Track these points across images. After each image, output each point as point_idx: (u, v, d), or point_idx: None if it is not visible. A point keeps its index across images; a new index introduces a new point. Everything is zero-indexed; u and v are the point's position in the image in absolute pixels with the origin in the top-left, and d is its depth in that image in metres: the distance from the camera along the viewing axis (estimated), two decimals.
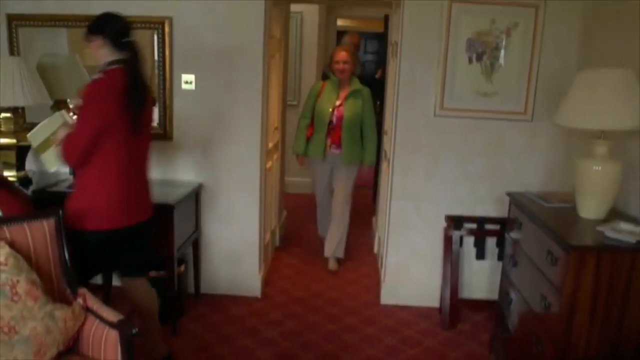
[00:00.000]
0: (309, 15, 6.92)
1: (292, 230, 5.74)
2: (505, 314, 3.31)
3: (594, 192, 2.77)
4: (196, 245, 4.03)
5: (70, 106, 3.32)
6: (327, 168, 4.75)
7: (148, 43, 3.86)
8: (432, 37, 3.76)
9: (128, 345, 2.26)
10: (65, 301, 2.49)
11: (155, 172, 3.96)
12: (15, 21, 3.82)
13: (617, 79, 2.65)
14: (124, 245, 2.86)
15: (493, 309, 3.72)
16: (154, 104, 3.37)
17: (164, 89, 3.87)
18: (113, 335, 2.30)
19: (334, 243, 4.76)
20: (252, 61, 3.85)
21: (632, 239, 2.43)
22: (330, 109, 4.55)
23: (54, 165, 2.98)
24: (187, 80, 3.87)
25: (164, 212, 3.38)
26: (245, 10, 3.78)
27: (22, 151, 3.71)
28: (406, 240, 4.07)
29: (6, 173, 3.63)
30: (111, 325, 2.32)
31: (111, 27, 2.72)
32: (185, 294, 3.96)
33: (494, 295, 3.72)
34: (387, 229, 4.11)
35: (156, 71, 3.85)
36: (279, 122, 5.07)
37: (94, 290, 2.97)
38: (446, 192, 3.98)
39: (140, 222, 2.87)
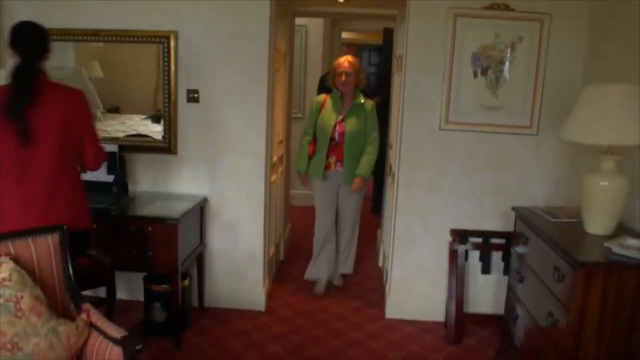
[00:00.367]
0: (313, 29, 6.96)
1: (297, 243, 5.73)
2: (511, 329, 3.28)
3: (600, 208, 2.75)
4: (200, 258, 4.02)
5: None
6: (330, 188, 4.45)
7: (153, 57, 3.88)
8: (437, 51, 3.76)
9: None
10: (69, 316, 2.47)
11: (160, 186, 3.99)
12: None
13: (623, 94, 2.64)
14: None
15: (499, 324, 3.69)
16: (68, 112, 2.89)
17: (169, 102, 3.88)
18: (117, 351, 2.28)
19: (329, 267, 4.58)
20: (257, 75, 3.86)
21: (639, 255, 2.41)
22: (333, 125, 4.31)
23: None
24: (192, 94, 3.87)
25: (168, 226, 3.38)
26: (250, 24, 3.79)
27: None
28: (411, 254, 4.06)
29: None
30: (115, 341, 2.31)
31: (9, 37, 2.75)
32: (189, 307, 3.94)
33: (500, 310, 3.69)
34: (392, 242, 4.10)
35: (161, 84, 3.87)
36: (283, 135, 5.08)
37: (98, 303, 2.97)
38: (451, 206, 3.96)
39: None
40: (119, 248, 3.44)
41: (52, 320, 2.34)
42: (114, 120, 4.19)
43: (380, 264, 5.21)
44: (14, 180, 2.73)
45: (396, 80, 4.70)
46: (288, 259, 5.30)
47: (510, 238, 3.63)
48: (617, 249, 2.49)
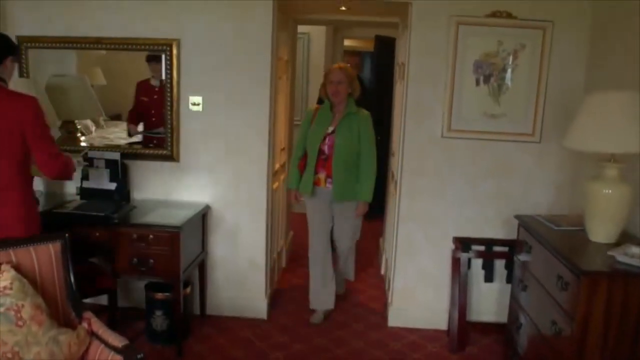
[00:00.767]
0: (316, 36, 6.98)
1: (299, 251, 5.70)
2: (515, 338, 3.26)
3: (604, 216, 2.74)
4: (202, 266, 4.02)
5: None
6: (321, 206, 4.08)
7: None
8: (439, 59, 3.76)
9: None
10: (70, 325, 2.47)
11: (162, 193, 3.99)
12: (25, 43, 3.85)
13: (626, 102, 2.64)
14: None
15: (502, 332, 3.68)
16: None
17: (172, 110, 3.88)
18: None
19: (325, 295, 4.20)
20: (259, 83, 3.86)
21: None
22: (322, 137, 3.93)
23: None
24: (195, 102, 3.88)
25: (170, 233, 3.38)
26: (252, 32, 3.80)
27: None
28: (414, 262, 4.04)
29: None
30: (116, 350, 2.30)
31: None
32: (191, 315, 3.93)
33: (503, 318, 3.68)
34: (395, 250, 4.08)
35: (164, 92, 3.87)
36: (286, 143, 5.08)
37: (99, 311, 2.96)
38: (454, 213, 3.95)
39: None
40: (121, 256, 3.43)
41: (53, 329, 2.33)
42: (116, 127, 4.21)
43: (382, 271, 5.19)
44: None
45: (398, 88, 4.69)
46: (290, 266, 5.28)
47: (513, 246, 3.61)
48: (621, 258, 2.48)
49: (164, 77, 3.85)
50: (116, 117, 4.24)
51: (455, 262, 3.89)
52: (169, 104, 3.87)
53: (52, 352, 2.27)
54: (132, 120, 4.16)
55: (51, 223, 3.28)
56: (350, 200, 4.00)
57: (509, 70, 3.73)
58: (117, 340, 2.33)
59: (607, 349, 2.40)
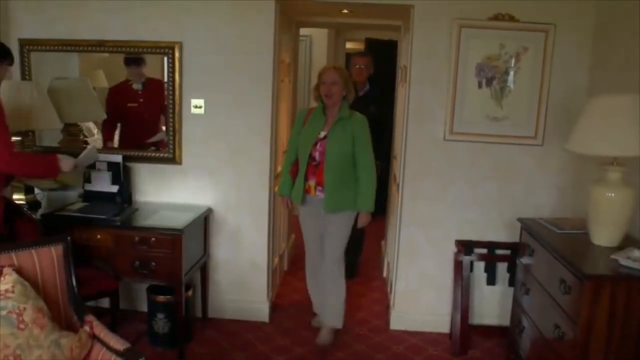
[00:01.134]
0: (317, 39, 6.98)
1: (301, 254, 5.65)
2: (517, 341, 3.25)
3: (607, 219, 2.74)
4: (204, 269, 4.01)
5: None
6: (313, 216, 3.82)
7: (158, 67, 3.90)
8: (441, 62, 3.76)
9: None
10: (72, 328, 2.47)
11: (164, 196, 3.99)
12: (27, 46, 3.86)
13: (629, 105, 2.63)
14: None
15: (504, 336, 3.67)
16: None
17: (174, 113, 3.88)
18: None
19: (324, 311, 3.94)
20: (261, 86, 3.86)
21: None
22: (313, 142, 3.69)
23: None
24: (197, 105, 3.88)
25: (172, 236, 3.37)
26: (254, 35, 3.80)
27: None
28: (416, 264, 4.03)
29: (15, 196, 3.64)
30: (118, 353, 2.30)
31: None
32: (192, 318, 3.93)
33: (505, 321, 3.67)
34: (397, 253, 4.08)
35: (166, 95, 3.87)
36: (287, 145, 5.06)
37: (101, 314, 2.95)
38: (456, 216, 3.94)
39: None
40: (123, 258, 3.42)
41: (54, 332, 2.33)
42: (118, 130, 4.21)
43: (384, 274, 5.19)
44: None
45: (400, 91, 4.69)
46: (292, 269, 5.27)
47: (515, 249, 3.61)
48: (624, 261, 2.47)
49: (165, 79, 3.85)
50: None
51: (458, 265, 3.89)
52: (171, 106, 3.87)
53: (53, 355, 2.27)
54: (110, 131, 4.16)
55: (53, 226, 3.30)
56: (342, 212, 3.71)
57: (511, 73, 3.72)
58: (119, 343, 2.33)
59: (610, 353, 2.39)
